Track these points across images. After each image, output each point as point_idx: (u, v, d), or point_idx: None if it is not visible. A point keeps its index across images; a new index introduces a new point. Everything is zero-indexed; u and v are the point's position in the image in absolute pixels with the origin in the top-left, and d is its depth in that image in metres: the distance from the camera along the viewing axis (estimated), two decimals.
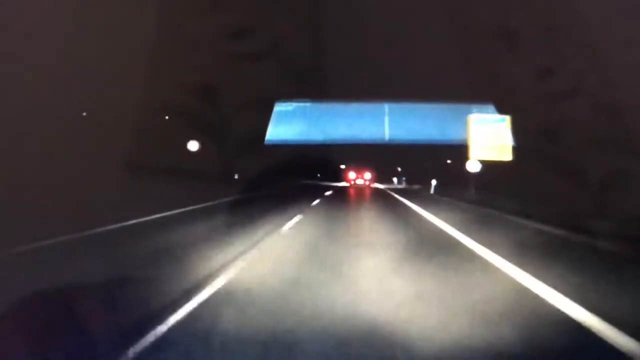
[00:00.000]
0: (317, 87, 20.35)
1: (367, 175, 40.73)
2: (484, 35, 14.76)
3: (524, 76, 13.86)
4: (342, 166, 45.09)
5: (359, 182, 40.33)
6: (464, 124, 18.96)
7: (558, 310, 3.95)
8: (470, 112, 18.97)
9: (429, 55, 19.12)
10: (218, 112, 15.77)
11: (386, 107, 20.98)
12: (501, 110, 17.66)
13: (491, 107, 18.22)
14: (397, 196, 21.63)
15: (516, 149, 16.53)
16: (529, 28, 13.03)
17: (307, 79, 19.62)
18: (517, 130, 15.70)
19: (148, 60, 12.31)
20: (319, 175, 48.70)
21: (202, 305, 3.81)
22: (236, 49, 14.68)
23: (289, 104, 20.82)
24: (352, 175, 40.89)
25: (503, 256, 6.12)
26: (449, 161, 31.00)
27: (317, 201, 15.12)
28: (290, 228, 8.65)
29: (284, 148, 21.42)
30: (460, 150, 19.28)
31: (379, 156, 38.97)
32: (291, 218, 9.87)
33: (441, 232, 8.91)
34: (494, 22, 13.96)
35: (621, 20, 11.12)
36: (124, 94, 12.29)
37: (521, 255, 6.28)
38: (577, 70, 12.14)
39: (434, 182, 27.35)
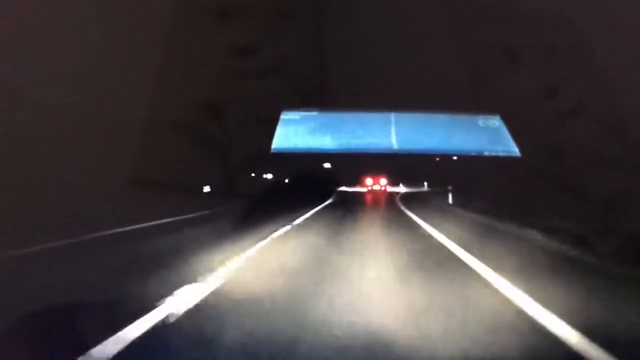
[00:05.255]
0: (324, 97, 20.41)
1: (383, 181, 43.75)
2: (491, 49, 14.71)
3: (529, 91, 13.77)
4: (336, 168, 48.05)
5: (376, 187, 42.10)
6: (471, 134, 18.81)
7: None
8: (477, 123, 18.80)
9: (435, 67, 19.08)
10: (223, 126, 15.89)
11: (392, 116, 20.89)
12: (508, 122, 17.51)
13: (497, 119, 18.04)
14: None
15: (519, 163, 16.38)
16: (535, 45, 12.94)
17: (314, 89, 19.68)
18: (522, 146, 15.57)
19: (155, 74, 12.44)
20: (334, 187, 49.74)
21: None
22: (242, 61, 14.77)
23: (295, 113, 20.81)
24: (369, 181, 44.37)
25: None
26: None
27: None
28: None
29: (292, 159, 21.45)
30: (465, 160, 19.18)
31: (387, 164, 40.39)
32: None
33: None
34: (501, 38, 13.91)
35: (628, 38, 11.00)
36: (129, 106, 12.41)
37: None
38: (583, 88, 12.02)
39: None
